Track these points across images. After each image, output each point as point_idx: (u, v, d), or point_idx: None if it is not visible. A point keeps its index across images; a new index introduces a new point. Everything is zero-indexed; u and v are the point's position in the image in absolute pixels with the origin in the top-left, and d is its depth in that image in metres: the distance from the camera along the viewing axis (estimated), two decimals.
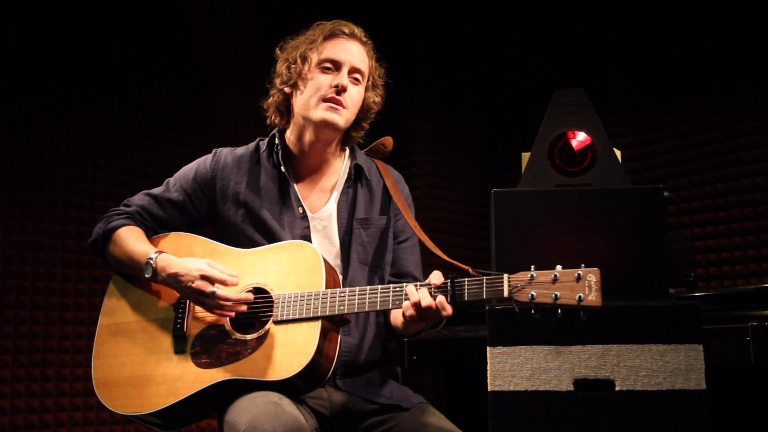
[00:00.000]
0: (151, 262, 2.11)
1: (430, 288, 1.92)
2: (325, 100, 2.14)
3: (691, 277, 3.16)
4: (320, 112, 2.14)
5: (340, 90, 2.14)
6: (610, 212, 2.49)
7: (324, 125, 2.16)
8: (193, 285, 2.03)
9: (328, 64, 2.16)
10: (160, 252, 2.13)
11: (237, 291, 2.09)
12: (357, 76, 2.19)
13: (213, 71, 4.33)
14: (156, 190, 2.29)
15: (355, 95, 2.19)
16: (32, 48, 3.70)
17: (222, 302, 2.03)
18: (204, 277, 2.03)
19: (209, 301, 2.04)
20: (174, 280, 2.08)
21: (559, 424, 2.29)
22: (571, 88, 2.71)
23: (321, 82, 2.15)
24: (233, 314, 2.06)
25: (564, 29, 4.60)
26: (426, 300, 1.89)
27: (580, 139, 2.67)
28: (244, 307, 2.04)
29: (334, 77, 2.15)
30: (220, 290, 2.02)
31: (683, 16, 4.19)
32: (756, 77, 3.95)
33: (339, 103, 2.15)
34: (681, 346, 2.28)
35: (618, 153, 2.73)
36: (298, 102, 2.19)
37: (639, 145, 4.32)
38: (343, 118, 2.17)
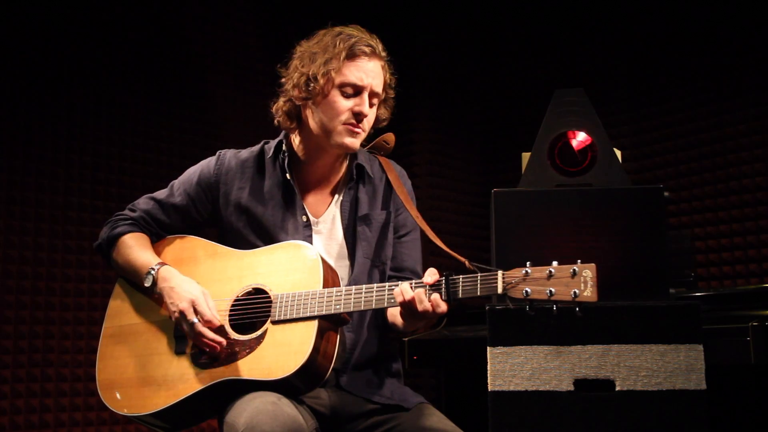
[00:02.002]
0: (152, 272, 2.12)
1: (425, 286, 1.92)
2: (345, 124, 2.15)
3: (691, 277, 3.16)
4: (341, 137, 2.16)
5: (362, 117, 2.16)
6: (610, 212, 2.49)
7: (342, 148, 2.18)
8: (180, 305, 2.04)
9: (349, 89, 2.15)
10: (163, 264, 2.14)
11: (237, 291, 2.11)
12: (375, 100, 2.20)
13: (213, 71, 4.33)
14: (160, 195, 2.30)
15: (372, 117, 2.22)
16: (32, 48, 3.70)
17: (197, 336, 2.03)
18: (192, 304, 2.04)
19: (186, 327, 2.04)
20: (167, 294, 2.09)
21: (559, 424, 2.29)
22: (571, 88, 2.71)
23: (342, 106, 2.14)
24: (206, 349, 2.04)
25: (564, 29, 4.60)
26: (421, 299, 1.90)
27: (580, 139, 2.67)
28: (216, 347, 2.02)
29: (354, 102, 2.15)
30: (199, 325, 2.02)
31: (683, 15, 4.19)
32: (756, 77, 3.94)
33: (359, 128, 2.17)
34: (681, 346, 2.28)
35: (618, 153, 2.73)
36: (315, 119, 2.18)
37: (639, 145, 4.31)
38: (359, 141, 2.20)
